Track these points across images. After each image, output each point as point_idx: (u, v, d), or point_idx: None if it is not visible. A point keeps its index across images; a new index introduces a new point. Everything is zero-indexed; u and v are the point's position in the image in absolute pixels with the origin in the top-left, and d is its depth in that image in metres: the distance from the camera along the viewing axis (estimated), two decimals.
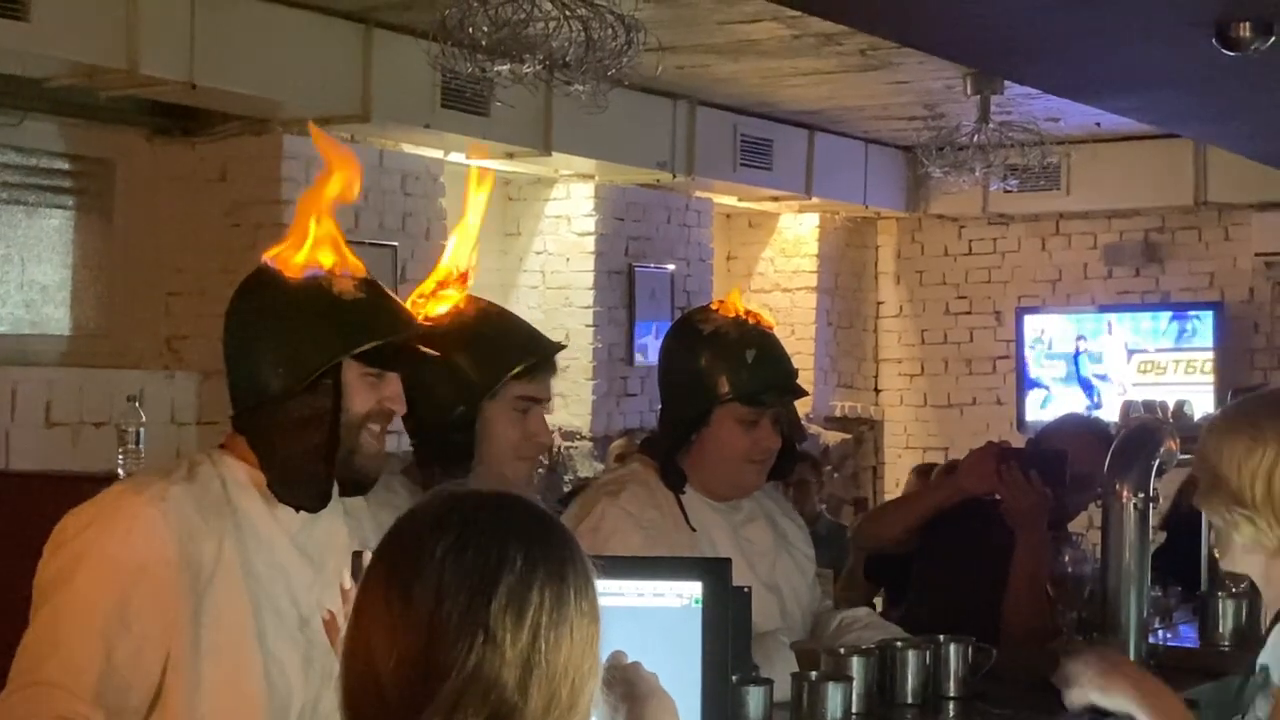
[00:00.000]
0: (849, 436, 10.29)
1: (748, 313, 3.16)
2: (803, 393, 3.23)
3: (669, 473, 3.12)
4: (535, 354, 2.71)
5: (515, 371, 2.67)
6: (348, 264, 2.22)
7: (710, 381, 3.08)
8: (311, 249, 2.19)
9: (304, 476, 2.16)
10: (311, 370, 2.15)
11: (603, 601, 1.51)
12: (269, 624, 2.11)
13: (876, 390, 10.86)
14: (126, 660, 2.00)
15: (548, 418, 2.80)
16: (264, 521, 2.15)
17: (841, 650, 3.01)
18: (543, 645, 1.45)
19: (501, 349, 2.69)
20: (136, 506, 2.06)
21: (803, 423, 9.30)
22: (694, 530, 3.10)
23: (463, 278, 2.69)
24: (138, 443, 4.79)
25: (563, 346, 2.83)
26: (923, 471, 7.48)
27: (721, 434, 3.09)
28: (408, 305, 2.65)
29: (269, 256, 2.21)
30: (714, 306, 3.21)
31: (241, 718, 2.08)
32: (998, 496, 3.75)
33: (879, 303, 10.87)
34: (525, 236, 8.59)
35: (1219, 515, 2.32)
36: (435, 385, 2.65)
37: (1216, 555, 2.44)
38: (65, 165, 6.69)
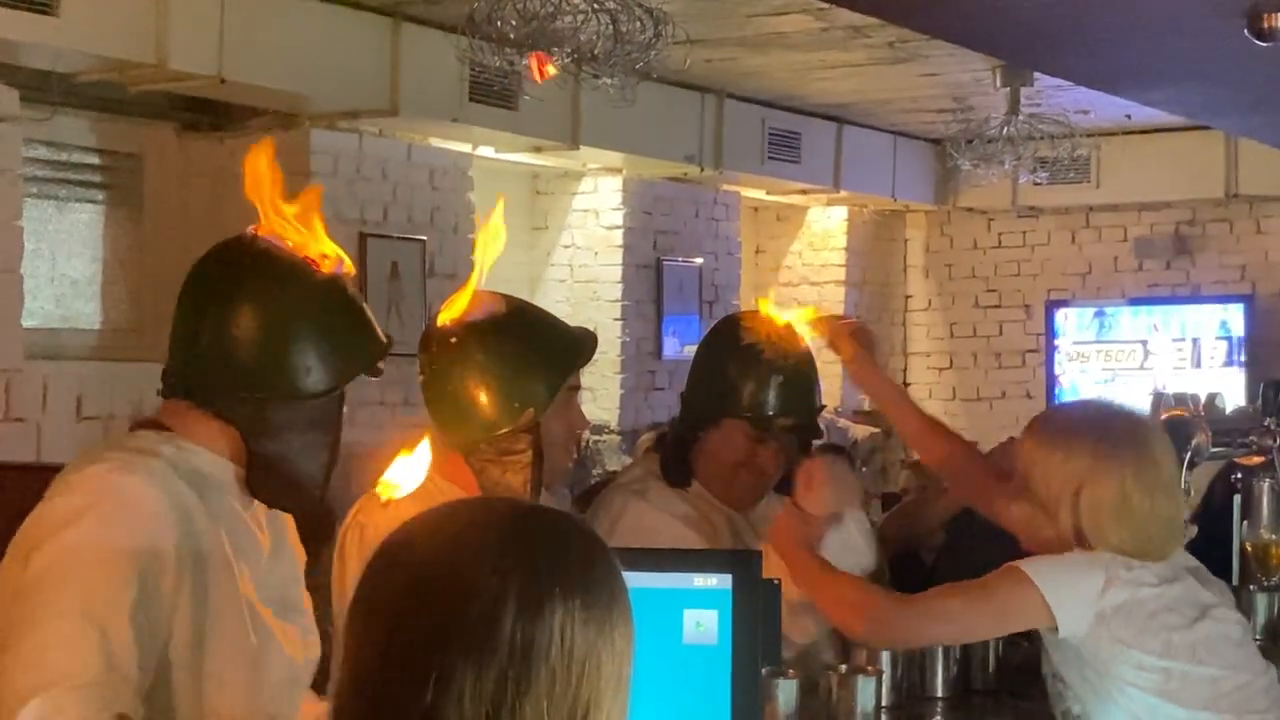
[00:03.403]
0: (877, 430, 10.26)
1: (793, 336, 3.13)
2: (817, 434, 3.21)
3: (671, 465, 3.11)
4: (586, 352, 2.74)
5: (571, 372, 2.70)
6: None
7: (730, 391, 3.07)
8: (328, 242, 2.14)
9: (304, 478, 2.11)
10: (349, 376, 2.11)
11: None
12: (258, 601, 2.10)
13: (905, 384, 10.83)
14: (132, 647, 1.92)
15: None
16: (235, 500, 2.11)
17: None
18: (511, 696, 1.27)
19: (559, 351, 2.71)
20: (136, 489, 1.98)
21: (831, 419, 9.25)
22: (722, 518, 3.10)
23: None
24: None
25: (593, 335, 2.86)
26: (917, 466, 7.45)
27: (725, 441, 3.08)
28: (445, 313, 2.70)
29: (279, 241, 2.12)
30: (764, 316, 3.16)
31: (245, 695, 2.07)
32: None
33: (908, 296, 10.85)
34: (553, 230, 8.59)
35: (1026, 517, 2.60)
36: (499, 392, 2.66)
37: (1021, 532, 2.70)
38: (95, 160, 6.72)
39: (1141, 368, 9.77)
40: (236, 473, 2.09)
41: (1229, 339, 9.66)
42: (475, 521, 1.35)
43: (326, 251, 2.12)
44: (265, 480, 2.09)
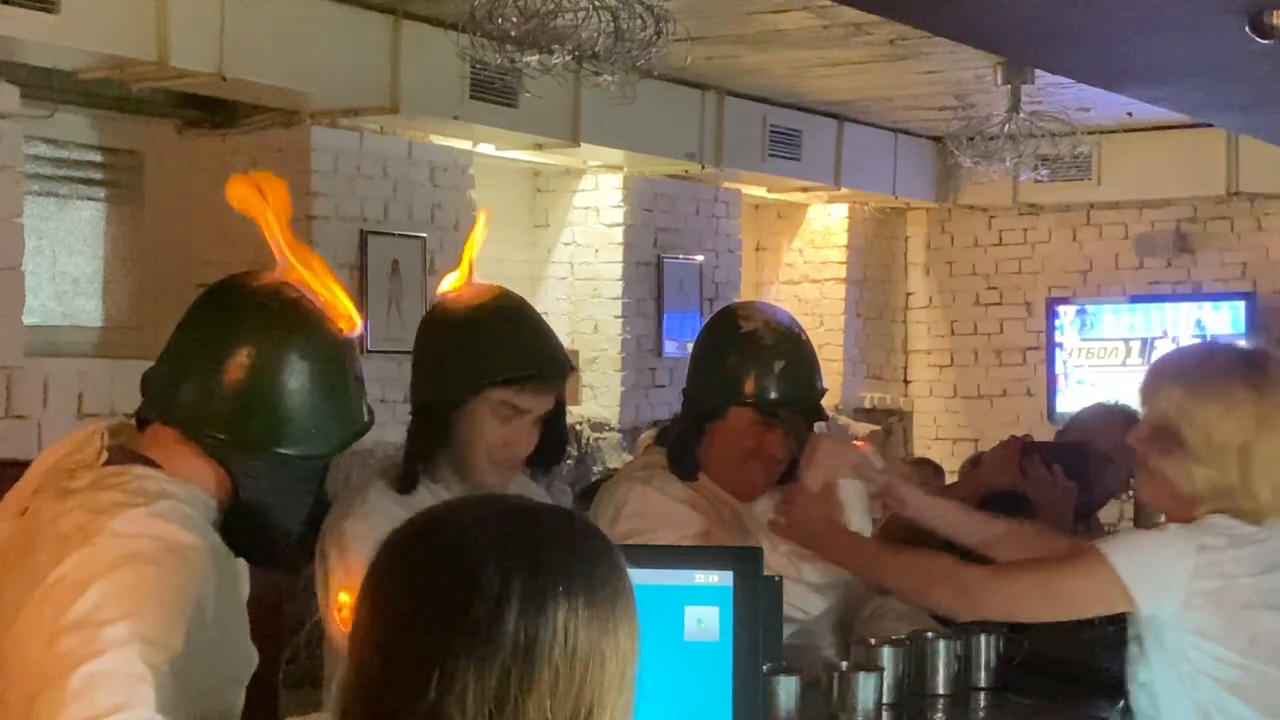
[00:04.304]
0: (878, 428, 10.27)
1: (790, 320, 3.16)
2: (822, 415, 3.22)
3: (678, 459, 3.12)
4: (518, 369, 2.68)
5: (496, 380, 2.67)
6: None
7: (734, 380, 3.08)
8: (345, 300, 2.11)
9: (280, 534, 2.09)
10: (341, 446, 2.11)
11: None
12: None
13: (906, 381, 10.84)
14: (177, 690, 1.90)
15: (576, 409, 2.81)
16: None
17: (872, 640, 3.01)
18: (514, 694, 1.27)
19: (490, 353, 2.68)
20: (177, 536, 1.95)
21: (832, 417, 9.23)
22: (728, 508, 3.11)
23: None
24: None
25: (564, 366, 2.77)
26: (916, 464, 7.47)
27: (732, 431, 3.10)
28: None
29: (307, 292, 2.09)
30: (759, 305, 3.20)
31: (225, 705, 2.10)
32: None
33: (908, 294, 10.84)
34: (554, 228, 8.59)
35: (1175, 468, 2.48)
36: (425, 375, 2.69)
37: (1140, 489, 2.68)
38: (96, 157, 6.72)
39: (1124, 364, 9.80)
40: (215, 511, 2.06)
41: (1203, 337, 9.66)
42: (479, 518, 1.35)
43: (346, 311, 2.10)
44: (243, 528, 2.06)
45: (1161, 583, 2.42)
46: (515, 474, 2.80)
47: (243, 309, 2.07)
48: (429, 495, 2.71)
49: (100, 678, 1.79)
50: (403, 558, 1.34)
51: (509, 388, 2.67)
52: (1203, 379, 2.52)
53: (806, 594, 2.98)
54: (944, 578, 2.64)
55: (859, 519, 3.01)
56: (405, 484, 2.72)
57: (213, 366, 2.04)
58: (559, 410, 2.85)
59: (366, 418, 2.15)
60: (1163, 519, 2.61)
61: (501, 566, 1.29)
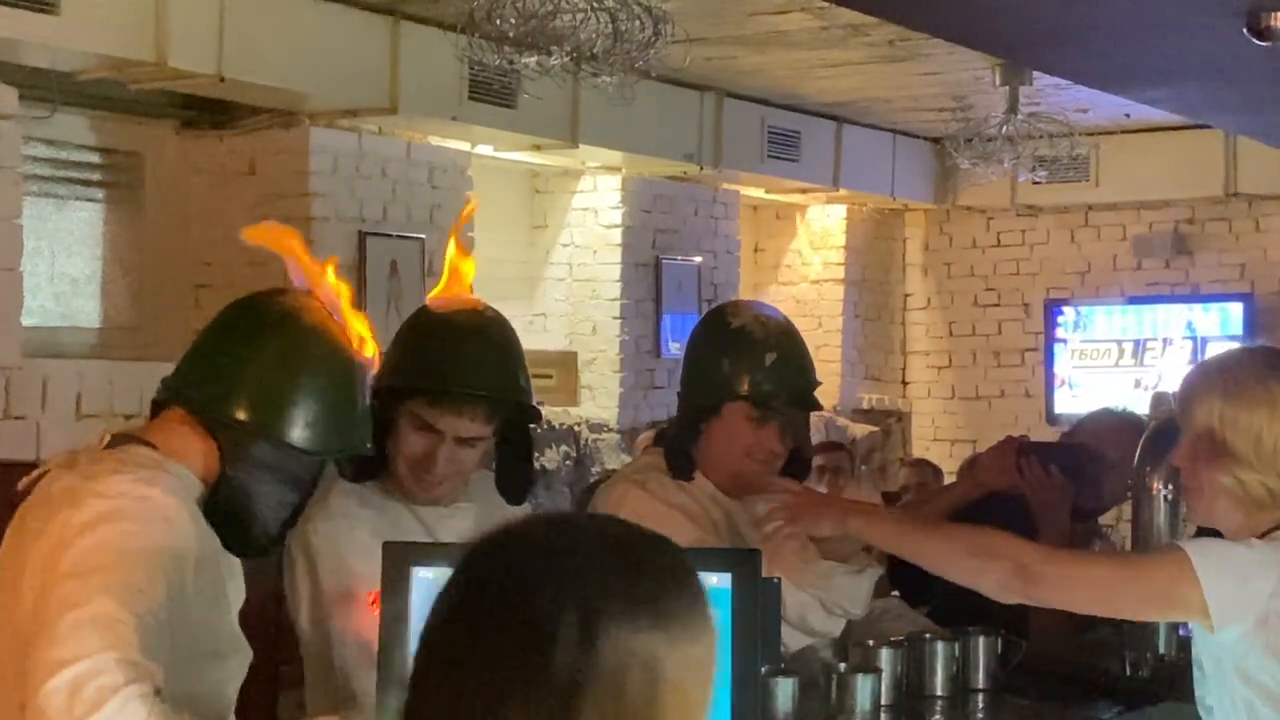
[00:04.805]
0: (876, 429, 10.27)
1: (778, 315, 3.18)
2: (816, 406, 3.23)
3: (675, 459, 3.13)
4: (429, 383, 2.68)
5: (409, 391, 2.68)
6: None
7: (727, 376, 3.10)
8: (366, 329, 2.23)
9: (258, 524, 2.17)
10: (334, 450, 2.21)
11: None
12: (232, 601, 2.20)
13: (904, 383, 10.84)
14: (160, 638, 1.97)
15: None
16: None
17: (870, 642, 3.01)
18: None
19: (414, 363, 2.70)
20: (159, 499, 2.05)
21: (831, 418, 9.22)
22: (721, 512, 3.11)
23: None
24: None
25: (491, 394, 2.71)
26: (915, 465, 7.49)
27: (729, 427, 3.11)
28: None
29: (332, 308, 2.21)
30: (747, 302, 3.23)
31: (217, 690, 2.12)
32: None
33: (907, 295, 10.84)
34: (552, 229, 8.58)
35: (1228, 477, 2.41)
36: (379, 371, 2.71)
37: (1194, 513, 2.56)
38: (95, 158, 6.71)
39: (1117, 365, 9.83)
40: (202, 492, 2.13)
41: (1194, 338, 9.67)
42: (536, 545, 1.31)
43: (365, 336, 2.22)
44: (223, 507, 2.14)
45: (1240, 597, 2.34)
46: (447, 491, 2.75)
47: (272, 312, 2.21)
48: (386, 499, 2.72)
49: (86, 623, 1.87)
50: (463, 580, 1.32)
51: (423, 401, 2.66)
52: (1239, 385, 2.45)
53: (800, 637, 2.99)
54: (1001, 553, 2.49)
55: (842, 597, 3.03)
56: (349, 471, 2.71)
57: (235, 354, 2.17)
58: (520, 445, 2.83)
59: (366, 444, 2.24)
60: (1190, 529, 2.56)
61: (556, 602, 1.25)
